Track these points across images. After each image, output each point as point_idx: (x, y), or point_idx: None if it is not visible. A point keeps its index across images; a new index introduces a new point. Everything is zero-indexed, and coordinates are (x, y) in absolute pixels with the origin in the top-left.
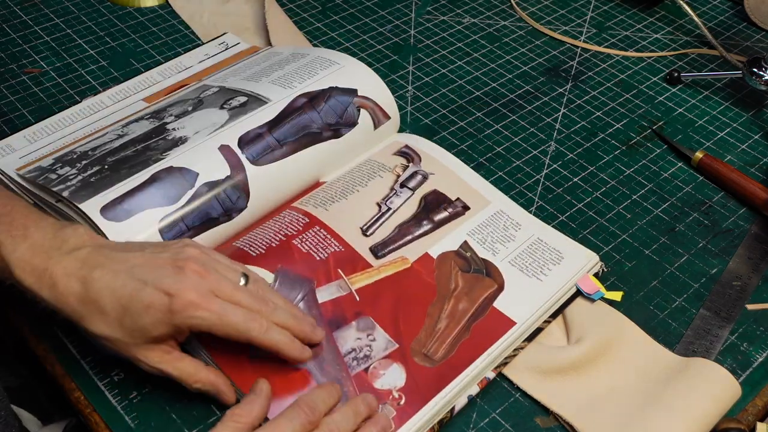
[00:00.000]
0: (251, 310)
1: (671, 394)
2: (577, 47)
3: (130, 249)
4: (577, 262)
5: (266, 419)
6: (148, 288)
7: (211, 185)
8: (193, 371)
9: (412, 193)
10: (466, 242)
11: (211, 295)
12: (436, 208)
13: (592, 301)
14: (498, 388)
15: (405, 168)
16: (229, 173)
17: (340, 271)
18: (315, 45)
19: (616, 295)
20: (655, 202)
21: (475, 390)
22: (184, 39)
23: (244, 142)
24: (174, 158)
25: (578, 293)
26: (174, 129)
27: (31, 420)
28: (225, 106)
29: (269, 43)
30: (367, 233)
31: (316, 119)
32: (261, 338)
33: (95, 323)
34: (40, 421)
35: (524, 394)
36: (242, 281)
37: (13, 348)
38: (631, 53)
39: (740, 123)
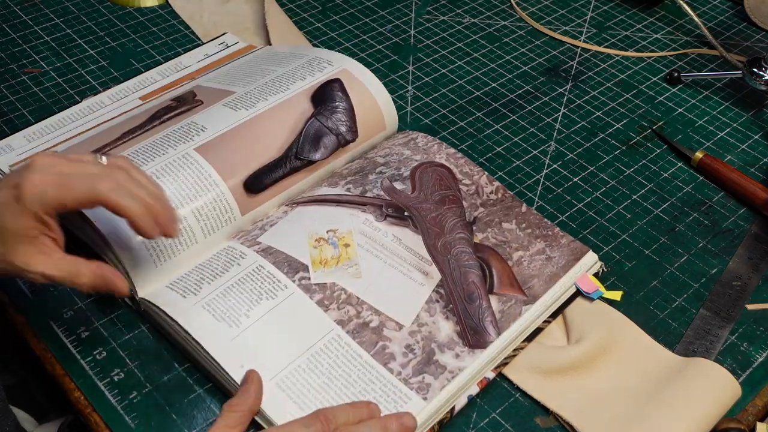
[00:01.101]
0: (102, 174)
1: (671, 394)
2: (577, 47)
3: None
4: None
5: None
6: (1, 190)
7: None
8: (75, 267)
9: None
10: None
11: (56, 172)
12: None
13: (591, 300)
14: (498, 388)
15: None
16: None
17: None
18: (315, 45)
19: (616, 295)
20: (655, 202)
21: (475, 390)
22: (184, 39)
23: None
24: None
25: (578, 293)
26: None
27: (27, 419)
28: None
29: (269, 43)
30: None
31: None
32: (109, 197)
33: None
34: (35, 420)
35: (524, 394)
36: (102, 159)
37: (13, 347)
38: (631, 53)
39: (740, 123)
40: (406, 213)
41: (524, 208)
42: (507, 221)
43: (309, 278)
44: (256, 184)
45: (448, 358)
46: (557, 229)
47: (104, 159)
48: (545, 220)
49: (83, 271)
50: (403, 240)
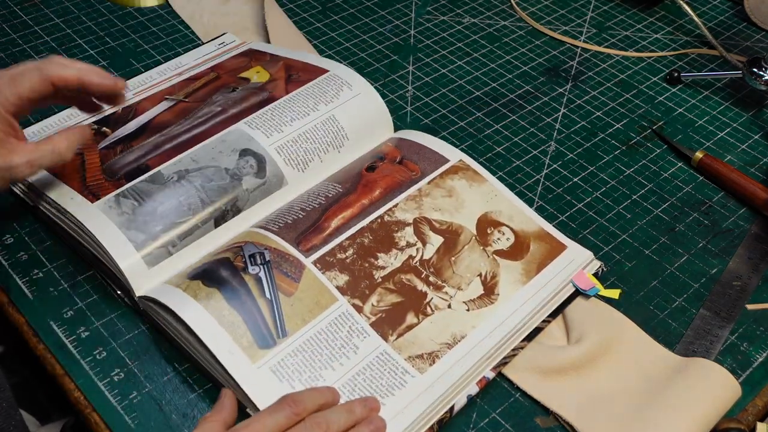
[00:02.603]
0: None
1: (671, 394)
2: (577, 47)
3: None
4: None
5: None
6: None
7: None
8: (51, 142)
9: None
10: None
11: (5, 74)
12: None
13: (588, 297)
14: (498, 388)
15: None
16: None
17: None
18: (315, 45)
19: (614, 293)
20: (655, 202)
21: (474, 390)
22: (184, 39)
23: None
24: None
25: (577, 292)
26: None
27: (29, 419)
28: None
29: (269, 43)
30: None
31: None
32: (56, 71)
33: None
34: (38, 420)
35: (524, 394)
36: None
37: (13, 347)
38: (631, 53)
39: (740, 123)
40: None
41: None
42: None
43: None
44: None
45: None
46: None
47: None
48: None
49: (57, 139)
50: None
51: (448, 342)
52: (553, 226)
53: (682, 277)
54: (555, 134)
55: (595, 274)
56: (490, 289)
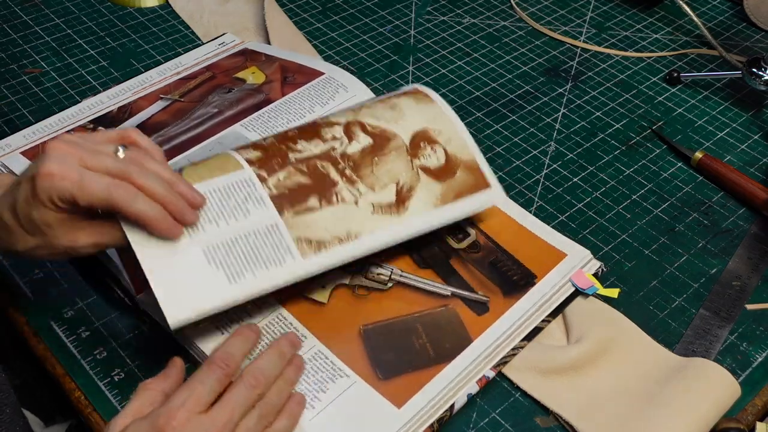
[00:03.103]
0: (118, 175)
1: (671, 393)
2: (577, 47)
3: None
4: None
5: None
6: (22, 183)
7: None
8: (111, 225)
9: None
10: None
11: (74, 165)
12: None
13: (586, 295)
14: (498, 387)
15: None
16: None
17: None
18: (315, 45)
19: (613, 292)
20: (655, 202)
21: (474, 389)
22: (184, 39)
23: None
24: None
25: (577, 292)
26: None
27: (34, 420)
28: None
29: (269, 43)
30: None
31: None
32: (127, 207)
33: (15, 241)
34: (42, 421)
35: (524, 393)
36: (120, 151)
37: (13, 347)
38: (631, 53)
39: (740, 123)
40: None
41: None
42: None
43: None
44: None
45: None
46: None
47: (122, 152)
48: None
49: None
50: None
51: (341, 237)
52: (553, 226)
53: (681, 277)
54: (555, 134)
55: (595, 275)
56: (401, 200)
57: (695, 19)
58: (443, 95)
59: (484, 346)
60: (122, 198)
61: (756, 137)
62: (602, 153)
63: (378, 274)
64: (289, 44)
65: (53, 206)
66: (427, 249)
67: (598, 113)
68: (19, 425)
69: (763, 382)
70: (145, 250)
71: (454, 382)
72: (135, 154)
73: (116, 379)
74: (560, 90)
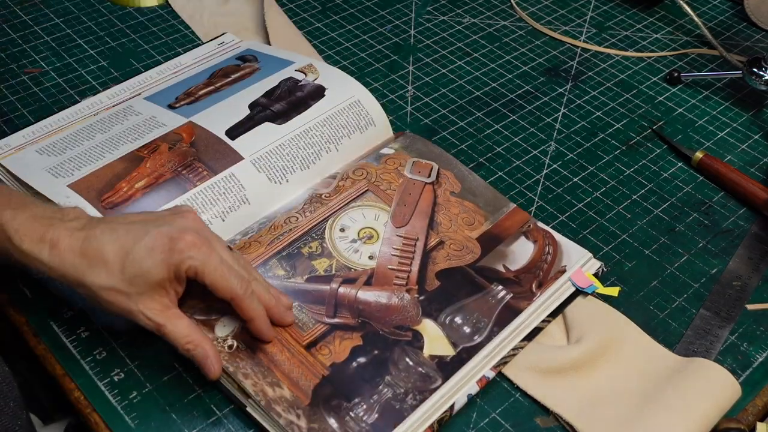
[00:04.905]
0: (244, 275)
1: (671, 394)
2: (577, 47)
3: (128, 214)
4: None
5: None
6: (152, 232)
7: None
8: (189, 331)
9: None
10: None
11: (208, 241)
12: None
13: (586, 294)
14: (498, 388)
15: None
16: None
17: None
18: (315, 45)
19: (613, 291)
20: (655, 202)
21: (474, 389)
22: (184, 39)
23: None
24: None
25: (577, 292)
26: None
27: (32, 419)
28: None
29: (269, 43)
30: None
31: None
32: (243, 299)
33: (96, 274)
34: (41, 420)
35: (524, 394)
36: (234, 251)
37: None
38: (631, 53)
39: (740, 123)
40: None
41: None
42: None
43: None
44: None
45: None
46: None
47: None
48: None
49: (194, 339)
50: None
51: None
52: (553, 226)
53: (682, 277)
54: (555, 134)
55: (596, 275)
56: None
57: (696, 18)
58: (443, 95)
59: None
60: (242, 290)
61: (756, 137)
62: (602, 153)
63: None
64: (289, 44)
65: (173, 271)
66: None
67: (598, 113)
68: (22, 419)
69: (763, 383)
70: None
71: (453, 382)
72: (244, 260)
73: (116, 380)
74: (560, 90)
